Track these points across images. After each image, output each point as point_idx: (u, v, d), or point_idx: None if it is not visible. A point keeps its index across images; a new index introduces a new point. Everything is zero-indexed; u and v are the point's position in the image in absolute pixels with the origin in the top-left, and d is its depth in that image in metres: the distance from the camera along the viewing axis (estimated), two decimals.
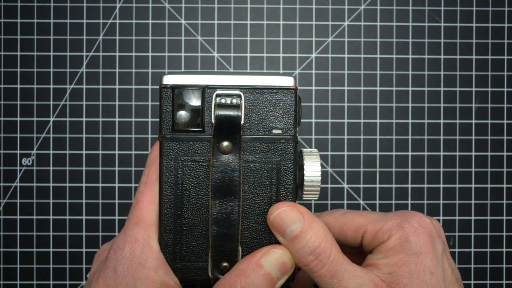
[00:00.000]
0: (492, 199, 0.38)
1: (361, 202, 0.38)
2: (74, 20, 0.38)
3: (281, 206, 0.25)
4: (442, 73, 0.38)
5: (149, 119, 0.38)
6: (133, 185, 0.38)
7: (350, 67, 0.38)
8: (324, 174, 0.38)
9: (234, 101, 0.26)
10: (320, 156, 0.37)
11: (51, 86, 0.38)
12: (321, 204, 0.38)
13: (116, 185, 0.38)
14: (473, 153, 0.38)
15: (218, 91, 0.26)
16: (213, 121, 0.26)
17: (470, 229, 0.38)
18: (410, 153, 0.38)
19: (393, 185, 0.38)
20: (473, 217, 0.38)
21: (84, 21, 0.38)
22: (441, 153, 0.38)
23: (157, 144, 0.27)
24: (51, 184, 0.37)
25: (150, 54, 0.38)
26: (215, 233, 0.26)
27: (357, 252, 0.29)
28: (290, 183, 0.26)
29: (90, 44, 0.38)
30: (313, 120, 0.38)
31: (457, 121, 0.38)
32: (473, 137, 0.38)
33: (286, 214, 0.25)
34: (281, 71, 0.38)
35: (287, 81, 0.26)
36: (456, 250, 0.38)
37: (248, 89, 0.26)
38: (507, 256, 0.38)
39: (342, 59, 0.38)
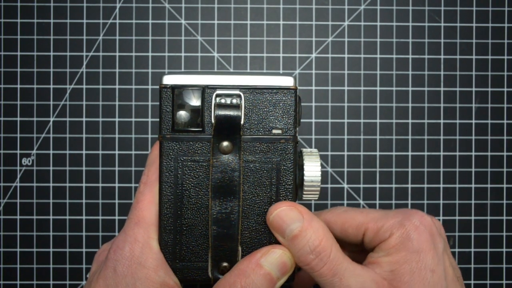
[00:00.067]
0: (492, 199, 0.38)
1: (361, 202, 0.38)
2: (74, 20, 0.38)
3: (280, 206, 0.25)
4: (442, 73, 0.38)
5: (149, 119, 0.38)
6: (133, 185, 0.38)
7: (350, 67, 0.38)
8: (324, 174, 0.38)
9: (234, 101, 0.26)
10: (320, 156, 0.37)
11: (51, 86, 0.38)
12: (321, 204, 0.38)
13: (116, 185, 0.38)
14: (473, 153, 0.38)
15: (218, 91, 0.26)
16: (213, 121, 0.26)
17: (470, 229, 0.38)
18: (410, 153, 0.38)
19: (393, 185, 0.38)
20: (473, 217, 0.38)
21: (84, 21, 0.38)
22: (441, 153, 0.38)
23: (157, 144, 0.27)
24: (51, 184, 0.37)
25: (150, 54, 0.38)
26: (215, 233, 0.26)
27: (359, 250, 0.29)
28: (290, 183, 0.26)
29: (90, 44, 0.38)
30: (313, 120, 0.38)
31: (457, 121, 0.38)
32: (473, 137, 0.38)
33: (285, 214, 0.25)
34: (281, 71, 0.38)
35: (287, 81, 0.26)
36: (456, 250, 0.38)
37: (248, 89, 0.26)
38: (507, 256, 0.38)
39: (342, 59, 0.38)
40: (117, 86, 0.38)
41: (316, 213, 0.30)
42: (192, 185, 0.26)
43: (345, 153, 0.38)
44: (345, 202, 0.38)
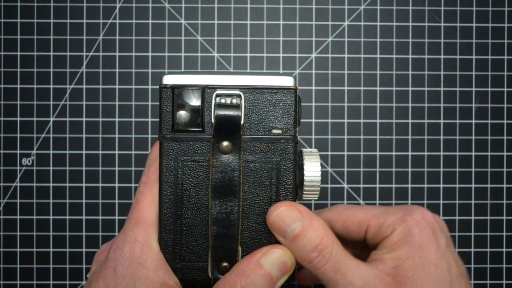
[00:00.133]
0: (492, 199, 0.38)
1: (361, 202, 0.38)
2: (74, 20, 0.38)
3: (279, 206, 0.25)
4: (442, 73, 0.38)
5: (149, 119, 0.38)
6: (133, 185, 0.38)
7: (350, 67, 0.38)
8: (324, 174, 0.38)
9: (234, 101, 0.26)
10: (320, 156, 0.37)
11: (51, 86, 0.38)
12: (321, 204, 0.38)
13: (116, 185, 0.38)
14: (473, 153, 0.38)
15: (218, 91, 0.26)
16: (213, 121, 0.26)
17: (470, 229, 0.38)
18: (410, 153, 0.38)
19: (393, 185, 0.38)
20: (473, 217, 0.38)
21: (84, 21, 0.38)
22: (441, 153, 0.38)
23: (157, 144, 0.27)
24: (51, 184, 0.37)
25: (150, 54, 0.38)
26: (215, 233, 0.26)
27: (361, 247, 0.29)
28: (290, 183, 0.26)
29: (90, 44, 0.38)
30: (313, 120, 0.38)
31: (457, 121, 0.38)
32: (473, 137, 0.38)
33: (285, 214, 0.25)
34: (281, 71, 0.38)
35: (287, 81, 0.26)
36: (456, 250, 0.38)
37: (248, 89, 0.26)
38: (507, 256, 0.38)
39: (342, 59, 0.38)
40: (117, 86, 0.38)
41: (317, 212, 0.30)
42: (192, 185, 0.26)
43: (345, 153, 0.38)
44: (345, 202, 0.38)
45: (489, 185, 0.38)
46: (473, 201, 0.38)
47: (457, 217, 0.38)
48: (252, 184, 0.26)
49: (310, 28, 0.38)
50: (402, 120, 0.38)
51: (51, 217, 0.37)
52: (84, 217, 0.37)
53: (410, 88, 0.38)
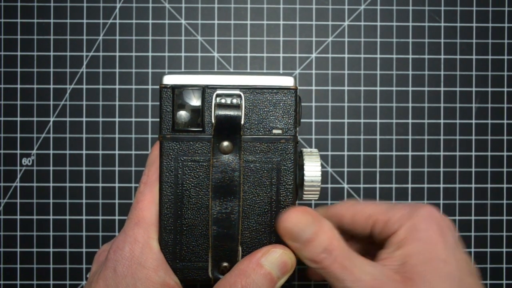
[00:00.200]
0: (492, 199, 0.38)
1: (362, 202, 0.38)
2: (74, 20, 0.38)
3: (291, 213, 0.25)
4: (442, 73, 0.38)
5: (149, 119, 0.38)
6: (133, 185, 0.38)
7: (350, 67, 0.38)
8: (324, 174, 0.38)
9: (234, 101, 0.26)
10: (320, 156, 0.37)
11: (51, 86, 0.38)
12: (321, 204, 0.38)
13: (116, 185, 0.38)
14: (473, 153, 0.38)
15: (218, 91, 0.26)
16: (213, 121, 0.26)
17: (470, 229, 0.38)
18: (410, 153, 0.38)
19: (393, 185, 0.38)
20: (473, 217, 0.38)
21: (84, 21, 0.38)
22: (441, 153, 0.38)
23: (157, 144, 0.27)
24: (51, 184, 0.37)
25: (150, 54, 0.38)
26: (215, 233, 0.26)
27: (368, 242, 0.29)
28: (290, 183, 0.26)
29: (90, 44, 0.38)
30: (313, 120, 0.38)
31: (457, 121, 0.38)
32: (473, 137, 0.38)
33: (298, 220, 0.25)
34: (281, 71, 0.38)
35: (287, 81, 0.26)
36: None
37: (248, 89, 0.26)
38: (507, 256, 0.38)
39: (342, 59, 0.38)
40: (117, 86, 0.38)
41: (326, 207, 0.30)
42: (192, 185, 0.26)
43: (345, 153, 0.38)
44: None
45: (489, 185, 0.38)
46: (473, 201, 0.38)
47: (457, 217, 0.38)
48: (253, 184, 0.26)
49: (310, 28, 0.38)
50: (402, 120, 0.38)
51: (51, 217, 0.37)
52: (84, 217, 0.37)
53: (410, 88, 0.38)
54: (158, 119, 0.34)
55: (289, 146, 0.26)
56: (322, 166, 0.38)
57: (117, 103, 0.38)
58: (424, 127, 0.38)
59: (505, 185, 0.38)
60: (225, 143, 0.26)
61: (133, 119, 0.38)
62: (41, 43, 0.38)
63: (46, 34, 0.38)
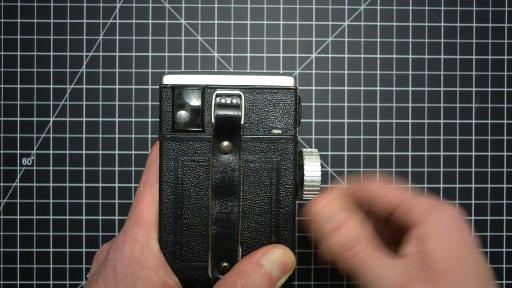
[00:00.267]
0: (492, 199, 0.38)
1: None
2: (74, 20, 0.38)
3: (323, 198, 0.26)
4: (442, 73, 0.38)
5: (149, 119, 0.38)
6: (133, 185, 0.38)
7: (350, 67, 0.38)
8: (324, 174, 0.38)
9: (234, 101, 0.26)
10: (320, 156, 0.37)
11: (51, 86, 0.38)
12: None
13: (116, 185, 0.38)
14: (473, 153, 0.38)
15: (218, 91, 0.26)
16: (213, 121, 0.26)
17: (470, 229, 0.38)
18: (410, 153, 0.38)
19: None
20: (473, 217, 0.38)
21: (84, 21, 0.38)
22: (441, 153, 0.38)
23: (157, 144, 0.27)
24: (51, 184, 0.37)
25: (150, 54, 0.38)
26: (215, 233, 0.26)
27: (383, 222, 0.29)
28: (290, 183, 0.26)
29: (90, 44, 0.38)
30: (313, 120, 0.38)
31: (457, 121, 0.38)
32: (473, 137, 0.38)
33: (328, 207, 0.26)
34: (281, 71, 0.38)
35: (287, 81, 0.26)
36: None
37: (248, 89, 0.26)
38: (507, 256, 0.38)
39: (342, 59, 0.38)
40: (117, 86, 0.38)
41: (351, 183, 0.30)
42: (192, 185, 0.26)
43: (345, 153, 0.38)
44: None
45: (489, 185, 0.38)
46: (473, 201, 0.38)
47: None
48: (252, 184, 0.26)
49: (310, 28, 0.38)
50: (402, 120, 0.38)
51: (51, 217, 0.37)
52: (84, 217, 0.37)
53: (410, 88, 0.38)
54: (158, 119, 0.34)
55: (289, 146, 0.26)
56: (322, 166, 0.38)
57: (117, 103, 0.38)
58: (424, 127, 0.38)
59: (505, 185, 0.38)
60: (225, 143, 0.26)
61: (133, 119, 0.38)
62: (41, 43, 0.38)
63: (46, 34, 0.38)
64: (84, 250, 0.37)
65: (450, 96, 0.38)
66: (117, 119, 0.38)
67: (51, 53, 0.38)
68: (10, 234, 0.37)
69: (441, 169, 0.38)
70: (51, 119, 0.38)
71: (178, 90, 0.26)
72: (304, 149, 0.28)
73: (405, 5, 0.38)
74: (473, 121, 0.38)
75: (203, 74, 0.26)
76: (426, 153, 0.38)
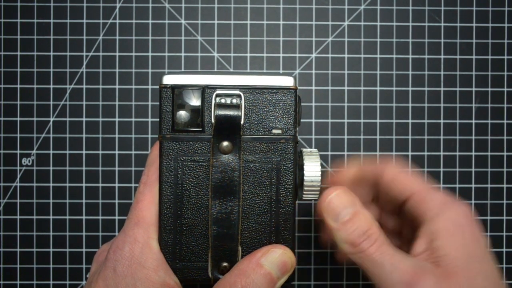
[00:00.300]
0: (492, 199, 0.38)
1: None
2: (74, 20, 0.38)
3: (334, 191, 0.26)
4: (442, 73, 0.38)
5: (149, 119, 0.38)
6: (133, 185, 0.38)
7: (350, 67, 0.38)
8: (324, 174, 0.38)
9: (234, 101, 0.26)
10: (320, 156, 0.37)
11: (51, 86, 0.38)
12: None
13: (116, 185, 0.38)
14: (473, 153, 0.38)
15: (218, 91, 0.26)
16: (213, 121, 0.26)
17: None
18: (410, 153, 0.38)
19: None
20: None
21: (84, 21, 0.38)
22: (441, 153, 0.38)
23: (157, 144, 0.27)
24: (51, 184, 0.37)
25: (150, 54, 0.38)
26: (215, 233, 0.26)
27: (394, 209, 0.29)
28: (290, 183, 0.26)
29: (90, 44, 0.38)
30: (313, 120, 0.38)
31: (457, 121, 0.38)
32: (473, 137, 0.38)
33: (339, 199, 0.26)
34: (281, 71, 0.38)
35: (287, 81, 0.26)
36: None
37: (248, 89, 0.26)
38: (507, 256, 0.38)
39: (342, 59, 0.38)
40: (117, 86, 0.38)
41: (369, 163, 0.30)
42: (192, 185, 0.26)
43: (345, 153, 0.38)
44: None
45: (489, 185, 0.38)
46: (473, 201, 0.38)
47: None
48: (252, 184, 0.26)
49: (310, 28, 0.38)
50: (402, 120, 0.38)
51: (51, 217, 0.37)
52: (84, 217, 0.37)
53: (410, 88, 0.38)
54: (158, 119, 0.34)
55: (289, 146, 0.26)
56: (322, 166, 0.38)
57: (117, 103, 0.38)
58: (424, 127, 0.38)
59: (505, 185, 0.38)
60: (225, 143, 0.26)
61: (133, 119, 0.38)
62: (41, 43, 0.38)
63: (46, 34, 0.38)
64: (84, 250, 0.37)
65: (450, 96, 0.38)
66: (117, 119, 0.38)
67: (51, 53, 0.38)
68: (10, 234, 0.37)
69: (441, 169, 0.38)
70: (51, 119, 0.38)
71: (178, 90, 0.26)
72: (304, 149, 0.28)
73: (405, 5, 0.38)
74: (473, 121, 0.38)
75: (203, 74, 0.26)
76: (426, 153, 0.38)
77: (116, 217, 0.37)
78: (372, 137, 0.38)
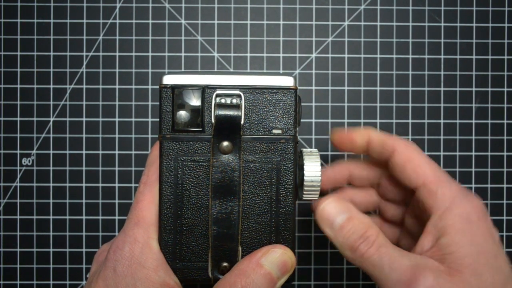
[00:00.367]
0: (492, 199, 0.38)
1: None
2: (74, 20, 0.38)
3: (326, 199, 0.26)
4: (442, 73, 0.38)
5: (149, 119, 0.38)
6: (133, 185, 0.38)
7: (350, 67, 0.38)
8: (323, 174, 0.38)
9: (234, 101, 0.26)
10: (320, 156, 0.37)
11: (51, 86, 0.38)
12: None
13: (116, 185, 0.38)
14: (473, 153, 0.38)
15: (218, 91, 0.26)
16: (213, 121, 0.26)
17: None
18: None
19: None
20: None
21: (84, 21, 0.38)
22: (441, 153, 0.38)
23: (157, 144, 0.27)
24: (51, 184, 0.37)
25: (150, 54, 0.38)
26: (215, 233, 0.26)
27: (401, 198, 0.29)
28: (290, 183, 0.26)
29: (90, 44, 0.38)
30: (313, 120, 0.38)
31: (457, 121, 0.38)
32: (473, 137, 0.38)
33: (332, 206, 0.26)
34: (281, 71, 0.38)
35: (287, 81, 0.26)
36: None
37: (248, 89, 0.26)
38: (507, 256, 0.38)
39: (342, 59, 0.38)
40: (117, 86, 0.38)
41: (389, 137, 0.28)
42: (192, 185, 0.26)
43: (345, 153, 0.38)
44: None
45: (489, 185, 0.38)
46: None
47: None
48: (252, 184, 0.26)
49: (310, 28, 0.38)
50: (402, 120, 0.38)
51: (51, 217, 0.37)
52: (84, 217, 0.37)
53: (410, 88, 0.38)
54: (158, 119, 0.34)
55: (289, 146, 0.26)
56: (322, 166, 0.38)
57: (117, 103, 0.38)
58: (424, 127, 0.38)
59: (505, 185, 0.38)
60: (225, 143, 0.26)
61: (133, 119, 0.38)
62: (41, 43, 0.38)
63: (46, 34, 0.38)
64: (84, 250, 0.37)
65: (450, 96, 0.38)
66: (117, 119, 0.38)
67: (51, 53, 0.38)
68: (10, 234, 0.37)
69: None
70: (51, 119, 0.38)
71: (178, 90, 0.26)
72: (304, 149, 0.28)
73: (405, 5, 0.38)
74: (473, 121, 0.38)
75: (203, 74, 0.26)
76: (426, 153, 0.38)
77: (116, 217, 0.37)
78: None
